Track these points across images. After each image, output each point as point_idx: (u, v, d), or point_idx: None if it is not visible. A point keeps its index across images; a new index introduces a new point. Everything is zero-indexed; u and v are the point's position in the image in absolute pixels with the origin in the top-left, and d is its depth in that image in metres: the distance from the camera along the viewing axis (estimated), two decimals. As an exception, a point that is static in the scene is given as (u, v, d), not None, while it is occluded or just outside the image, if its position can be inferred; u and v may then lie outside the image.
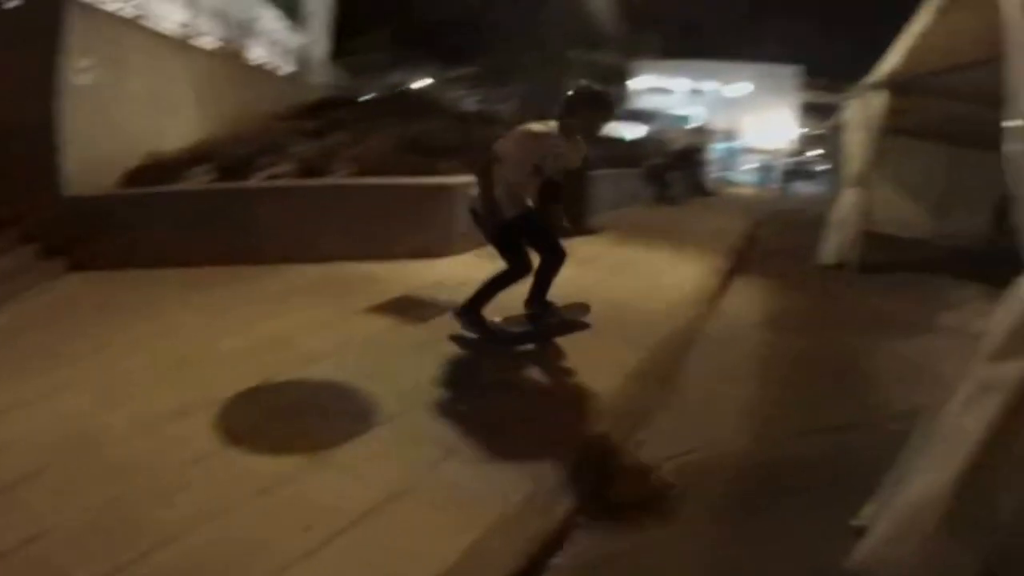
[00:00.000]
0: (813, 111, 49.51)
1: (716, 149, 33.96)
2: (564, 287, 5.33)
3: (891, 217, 13.34)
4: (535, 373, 4.62)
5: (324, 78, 17.82)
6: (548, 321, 5.22)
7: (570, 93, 4.77)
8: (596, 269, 7.75)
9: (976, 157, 14.20)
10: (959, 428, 2.36)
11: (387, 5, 25.69)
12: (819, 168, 46.75)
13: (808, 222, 12.88)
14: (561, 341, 5.10)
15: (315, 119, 11.39)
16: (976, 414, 2.31)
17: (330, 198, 7.93)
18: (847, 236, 9.83)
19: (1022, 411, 2.24)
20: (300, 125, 10.94)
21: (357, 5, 20.29)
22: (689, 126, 35.92)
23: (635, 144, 19.28)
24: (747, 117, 44.05)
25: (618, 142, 18.33)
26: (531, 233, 4.99)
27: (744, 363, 5.38)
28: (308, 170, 8.96)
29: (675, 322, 5.96)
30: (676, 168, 18.87)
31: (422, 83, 27.69)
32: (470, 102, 22.97)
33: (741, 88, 43.08)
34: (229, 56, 12.10)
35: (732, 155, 37.30)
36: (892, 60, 8.37)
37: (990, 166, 12.75)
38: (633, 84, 47.28)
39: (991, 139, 9.52)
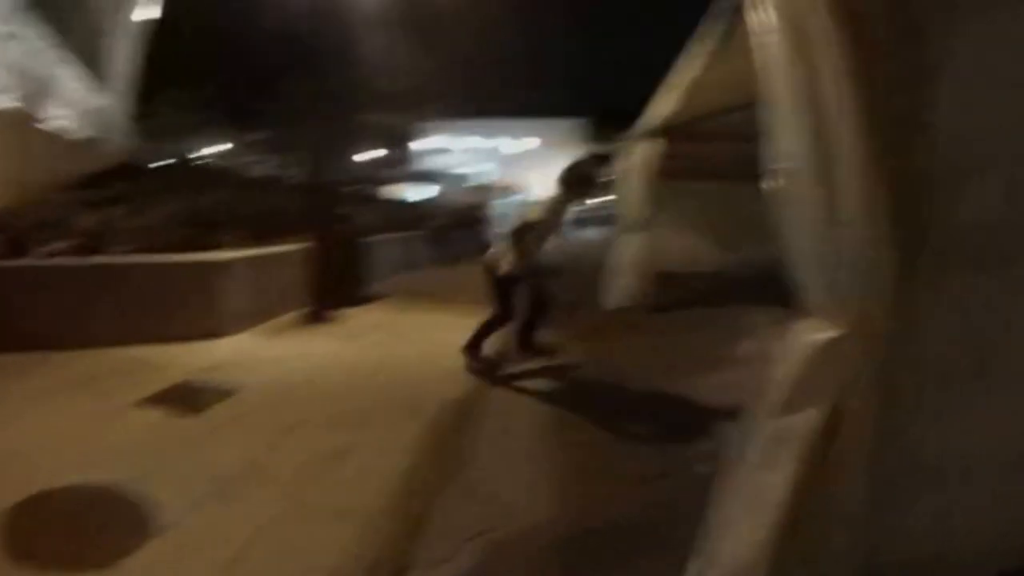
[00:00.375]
0: (606, 160, 51.83)
1: (502, 205, 34.81)
2: (338, 362, 5.55)
3: (678, 255, 14.08)
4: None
5: (120, 143, 16.66)
6: None
7: (570, 167, 6.46)
8: (375, 340, 7.58)
9: (755, 190, 15.48)
10: (761, 483, 2.34)
11: (193, 65, 24.59)
12: (604, 215, 49.08)
13: (595, 268, 13.43)
14: (344, 417, 4.95)
15: (101, 189, 10.90)
16: (775, 468, 2.30)
17: (101, 278, 7.48)
18: (634, 278, 10.22)
19: (820, 462, 2.24)
20: (85, 196, 10.47)
21: (163, 66, 19.25)
22: (475, 184, 36.58)
23: (419, 206, 19.47)
24: (533, 172, 45.50)
25: (401, 204, 18.44)
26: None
27: (538, 422, 5.23)
28: (84, 246, 8.49)
29: (460, 387, 5.82)
30: (460, 228, 19.17)
31: (218, 148, 26.67)
32: (264, 168, 22.40)
33: (527, 143, 44.56)
34: (14, 117, 11.15)
35: (520, 210, 38.26)
36: (664, 105, 8.73)
37: (768, 200, 14.08)
38: (421, 144, 47.74)
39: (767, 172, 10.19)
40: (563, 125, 49.20)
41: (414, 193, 27.65)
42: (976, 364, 2.37)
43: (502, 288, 6.23)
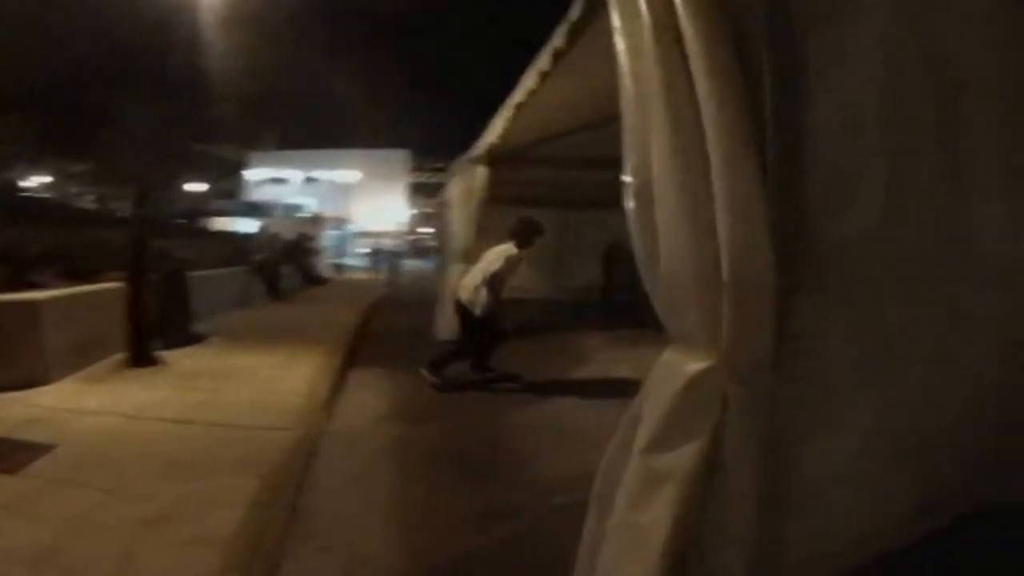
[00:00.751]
0: (422, 191, 52.65)
1: (328, 237, 34.13)
2: (164, 411, 5.18)
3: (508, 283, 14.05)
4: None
5: None
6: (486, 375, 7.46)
7: (522, 223, 7.58)
8: (202, 384, 6.78)
9: (580, 216, 15.96)
10: (634, 526, 2.16)
11: (22, 93, 22.45)
12: (429, 246, 49.68)
13: (422, 301, 13.13)
14: (174, 473, 4.34)
15: None
16: (652, 510, 2.11)
17: None
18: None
19: (702, 498, 2.09)
20: None
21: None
22: (302, 215, 35.98)
23: (247, 239, 18.49)
24: (359, 202, 45.11)
25: (229, 237, 17.56)
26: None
27: (378, 465, 4.83)
28: None
29: (293, 434, 5.23)
30: (287, 261, 18.37)
31: (38, 180, 24.69)
32: (87, 200, 20.88)
33: (352, 175, 44.27)
34: None
35: (345, 241, 37.88)
36: (491, 134, 8.58)
37: (594, 223, 14.31)
38: (248, 175, 46.52)
39: (591, 198, 10.47)
40: (386, 155, 49.30)
41: (242, 225, 26.56)
42: (858, 375, 2.29)
43: (474, 324, 7.32)
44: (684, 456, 2.07)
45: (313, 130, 47.91)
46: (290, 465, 4.58)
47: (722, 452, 2.06)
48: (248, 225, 27.44)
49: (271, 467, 4.45)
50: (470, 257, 9.78)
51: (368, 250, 26.09)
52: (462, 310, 7.39)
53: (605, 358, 8.93)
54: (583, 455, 4.90)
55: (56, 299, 7.14)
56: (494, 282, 7.18)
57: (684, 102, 2.03)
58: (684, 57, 2.04)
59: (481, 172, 9.62)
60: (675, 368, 2.14)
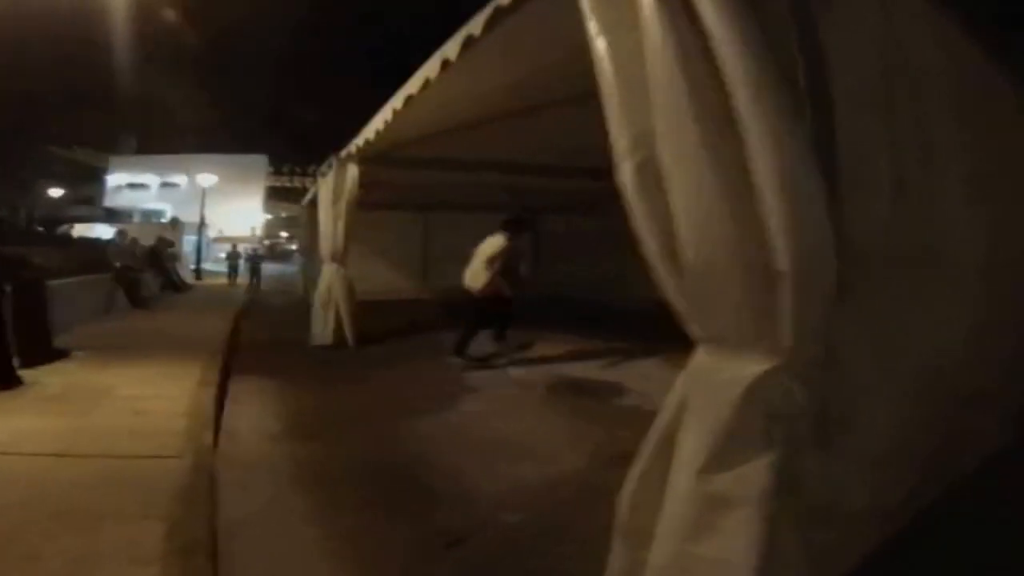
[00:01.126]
0: (280, 196, 51.44)
1: (188, 242, 32.55)
2: (37, 443, 4.59)
3: (378, 286, 13.83)
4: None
5: None
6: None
7: (511, 218, 8.66)
8: (72, 407, 5.92)
9: (449, 218, 15.97)
10: (699, 559, 1.93)
11: None
12: (291, 249, 48.45)
13: (288, 307, 12.60)
14: (62, 523, 3.55)
15: None
16: (719, 539, 1.89)
17: None
18: (336, 314, 9.58)
19: (780, 521, 1.87)
20: None
21: None
22: (161, 221, 34.31)
23: (106, 245, 17.19)
24: (216, 207, 43.47)
25: (89, 244, 16.39)
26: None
27: (291, 493, 4.29)
28: None
29: (185, 462, 4.58)
30: (148, 268, 17.23)
31: None
32: None
33: (209, 179, 42.49)
34: None
35: (204, 247, 36.21)
36: (368, 131, 8.25)
37: (463, 225, 14.29)
38: (109, 181, 44.30)
39: (461, 200, 10.39)
40: (244, 160, 48.08)
41: (102, 231, 24.88)
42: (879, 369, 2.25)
43: (480, 304, 8.33)
44: (754, 473, 1.86)
45: (171, 134, 46.39)
46: (193, 502, 3.96)
47: (798, 462, 1.90)
48: (108, 231, 25.81)
49: (172, 506, 3.84)
50: (342, 259, 9.49)
51: (228, 255, 24.78)
52: (471, 297, 8.35)
53: (493, 358, 8.77)
54: (511, 466, 4.79)
55: None
56: (489, 267, 8.25)
57: (704, 75, 1.87)
58: (697, 29, 1.88)
59: (352, 171, 9.38)
60: (724, 375, 1.94)
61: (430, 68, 5.49)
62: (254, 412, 6.24)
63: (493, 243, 8.46)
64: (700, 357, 2.07)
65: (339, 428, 5.74)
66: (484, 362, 8.43)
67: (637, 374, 7.86)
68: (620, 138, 2.10)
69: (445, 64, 5.10)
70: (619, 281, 11.95)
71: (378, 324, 10.51)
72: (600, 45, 2.18)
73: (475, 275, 8.34)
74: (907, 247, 2.35)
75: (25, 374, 6.94)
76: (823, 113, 1.95)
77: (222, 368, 7.85)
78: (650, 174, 2.00)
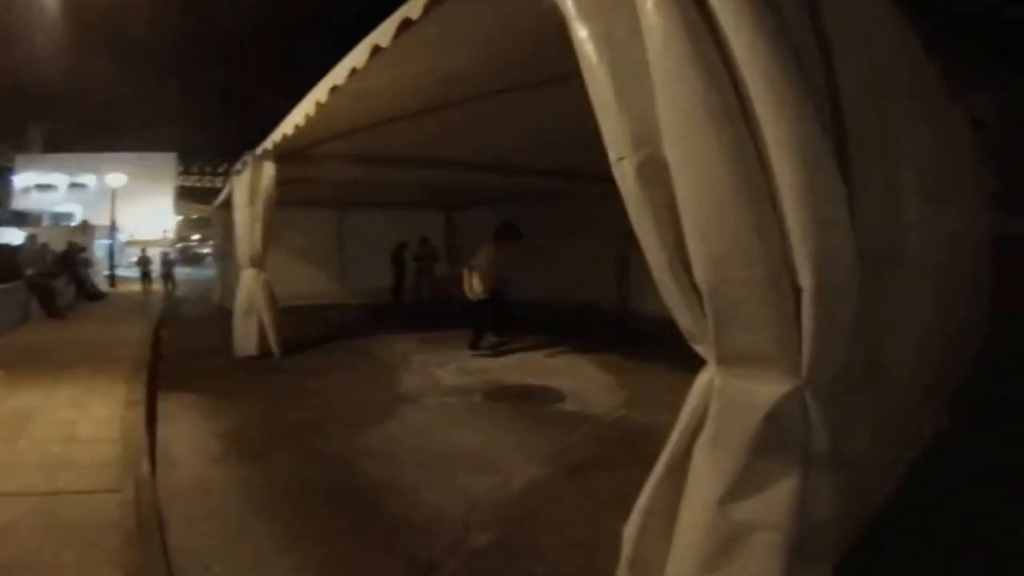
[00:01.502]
0: (191, 196, 49.85)
1: (100, 246, 31.15)
2: None
3: (295, 290, 13.52)
4: None
5: None
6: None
7: (501, 225, 9.44)
8: None
9: (368, 216, 15.73)
10: None
11: None
12: (204, 252, 46.95)
13: (207, 314, 12.16)
14: None
15: None
16: (740, 565, 1.82)
17: None
18: (260, 321, 9.17)
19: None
20: None
21: None
22: (71, 224, 32.78)
23: (15, 251, 16.23)
24: (128, 209, 41.82)
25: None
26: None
27: (249, 524, 3.98)
28: None
29: (126, 496, 4.20)
30: (61, 274, 16.33)
31: None
32: None
33: (119, 179, 40.87)
34: None
35: (116, 251, 34.76)
36: (286, 126, 7.84)
37: (381, 222, 14.12)
38: (16, 181, 42.06)
39: (379, 196, 10.14)
40: (153, 159, 46.47)
41: (9, 236, 23.51)
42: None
43: (479, 306, 9.35)
44: (779, 497, 1.79)
45: (80, 132, 44.39)
46: (147, 547, 3.56)
47: (815, 481, 1.82)
48: (16, 236, 24.43)
49: (123, 551, 3.46)
50: (261, 263, 9.13)
51: (140, 259, 23.67)
52: (470, 302, 9.36)
53: (423, 364, 8.61)
54: (469, 480, 4.61)
55: None
56: (481, 274, 9.14)
57: (716, 67, 1.74)
58: (706, 14, 1.75)
59: (269, 169, 8.93)
60: (744, 397, 1.85)
61: (358, 56, 5.28)
62: (188, 432, 5.89)
63: (484, 251, 9.31)
64: (714, 378, 1.95)
65: (281, 446, 5.46)
66: (495, 351, 9.31)
67: (567, 376, 7.84)
68: (616, 133, 1.96)
69: (375, 51, 4.89)
70: (535, 280, 12.02)
71: (300, 331, 10.27)
72: (582, 32, 2.03)
73: (472, 288, 9.26)
74: (880, 248, 2.30)
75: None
76: (836, 112, 1.86)
77: (148, 384, 7.43)
78: (654, 175, 1.87)
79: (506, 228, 9.50)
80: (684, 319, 1.94)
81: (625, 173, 1.94)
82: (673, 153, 1.82)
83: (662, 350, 8.86)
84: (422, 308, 15.36)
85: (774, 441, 1.81)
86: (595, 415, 6.18)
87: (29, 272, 13.95)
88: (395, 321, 12.80)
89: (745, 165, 1.72)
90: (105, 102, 46.96)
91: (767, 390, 1.81)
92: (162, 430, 5.92)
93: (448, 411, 6.46)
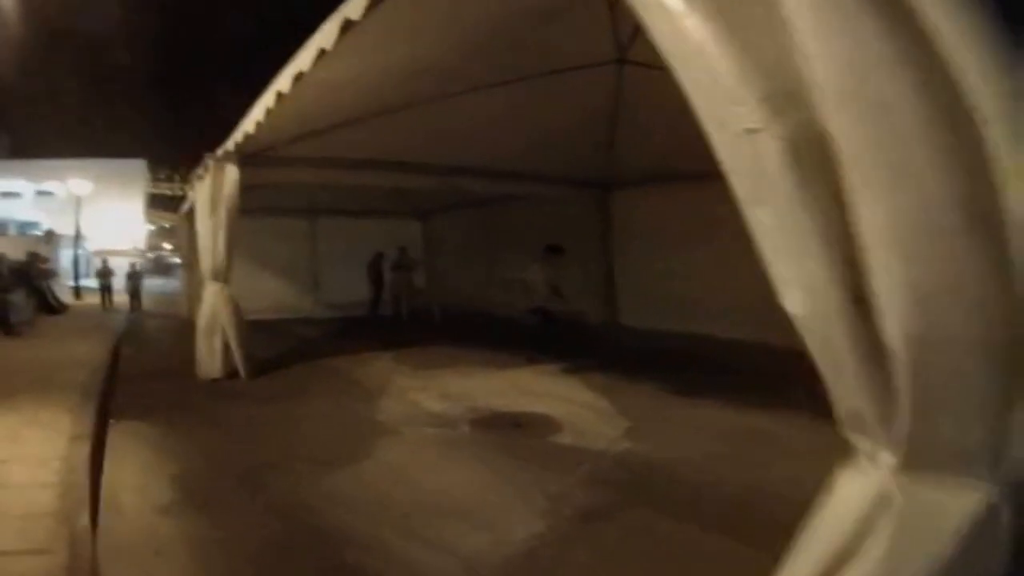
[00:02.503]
0: (161, 204, 48.81)
1: (66, 257, 30.13)
2: None
3: (264, 304, 12.92)
4: None
5: None
6: None
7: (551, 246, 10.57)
8: None
9: (341, 224, 15.16)
10: None
11: None
12: (171, 263, 45.86)
13: (173, 329, 11.47)
14: None
15: None
16: None
17: None
18: (225, 340, 8.48)
19: None
20: None
21: None
22: (35, 233, 31.92)
23: None
24: (96, 217, 40.74)
25: None
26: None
27: None
28: None
29: (57, 560, 3.50)
30: (17, 287, 15.49)
31: None
32: None
33: (84, 186, 39.83)
34: None
35: (81, 261, 33.73)
36: (247, 123, 7.33)
37: (355, 231, 13.69)
38: None
39: (352, 204, 9.69)
40: (121, 165, 45.46)
41: None
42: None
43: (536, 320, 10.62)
44: None
45: (45, 138, 43.30)
46: None
47: None
48: None
49: None
50: (225, 276, 8.44)
51: (106, 270, 22.64)
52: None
53: (403, 388, 7.95)
54: (459, 537, 3.89)
55: None
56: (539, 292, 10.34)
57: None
58: None
59: (232, 173, 8.23)
60: (933, 512, 1.31)
61: (325, 36, 4.74)
62: (138, 472, 5.18)
63: (535, 270, 10.40)
64: (890, 486, 1.32)
65: (242, 490, 4.78)
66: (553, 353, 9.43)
67: (559, 400, 7.23)
68: (734, 90, 1.38)
69: (346, 26, 4.36)
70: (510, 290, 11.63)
71: (269, 349, 9.72)
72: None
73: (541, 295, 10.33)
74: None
75: None
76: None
77: (99, 413, 6.71)
78: (811, 154, 1.27)
79: (554, 248, 10.60)
80: (848, 393, 1.32)
81: (763, 152, 1.32)
82: (841, 120, 1.20)
83: (656, 369, 8.52)
84: (401, 322, 14.77)
85: (977, 561, 1.26)
86: (595, 449, 5.55)
87: None
88: (372, 337, 12.11)
89: (960, 149, 1.12)
90: (72, 106, 46.04)
91: (962, 503, 1.20)
92: (109, 471, 5.19)
93: (431, 446, 5.81)
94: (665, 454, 5.34)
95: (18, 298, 14.71)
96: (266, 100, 6.50)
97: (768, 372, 6.98)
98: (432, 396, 7.45)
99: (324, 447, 5.73)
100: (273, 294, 14.52)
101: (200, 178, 8.82)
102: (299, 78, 5.59)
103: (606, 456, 5.39)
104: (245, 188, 8.36)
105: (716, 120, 1.49)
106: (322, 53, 4.93)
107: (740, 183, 1.48)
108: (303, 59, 5.35)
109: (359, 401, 7.32)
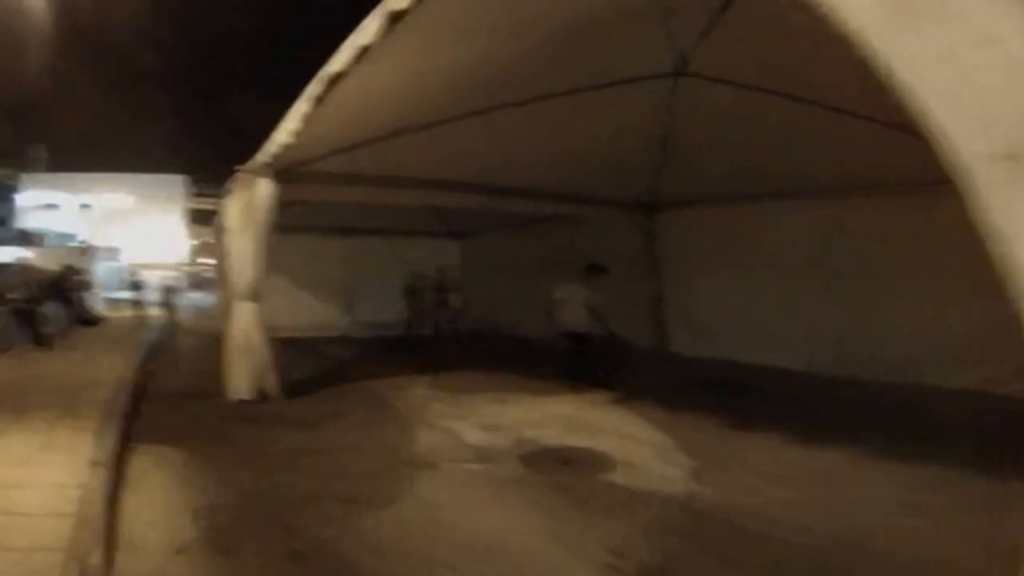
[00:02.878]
0: (202, 219, 49.16)
1: (102, 269, 30.23)
2: None
3: (301, 321, 12.62)
4: None
5: None
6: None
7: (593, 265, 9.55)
8: None
9: (376, 243, 14.83)
10: None
11: None
12: (211, 278, 45.99)
13: (207, 347, 11.14)
14: None
15: None
16: None
17: None
18: (259, 360, 8.08)
19: None
20: None
21: None
22: (74, 245, 32.19)
23: (4, 272, 15.42)
24: (134, 231, 41.09)
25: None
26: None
27: None
28: None
29: None
30: (51, 298, 15.34)
31: None
32: None
33: (125, 200, 40.06)
34: None
35: (119, 274, 33.88)
36: (281, 133, 6.97)
37: (390, 251, 13.34)
38: (20, 200, 41.51)
39: (388, 223, 9.28)
40: (162, 180, 45.92)
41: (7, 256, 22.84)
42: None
43: (578, 341, 9.36)
44: None
45: (87, 152, 43.99)
46: None
47: None
48: (12, 255, 23.84)
49: None
50: (257, 296, 8.07)
51: (146, 284, 22.57)
52: (573, 335, 9.40)
53: (441, 415, 7.50)
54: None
55: None
56: (590, 311, 9.33)
57: None
58: None
59: (264, 188, 7.83)
60: None
61: (366, 33, 4.37)
62: (159, 505, 4.78)
63: (578, 289, 9.42)
64: None
65: (268, 531, 4.34)
66: (595, 383, 8.81)
67: (609, 433, 6.73)
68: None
69: (394, 18, 4.00)
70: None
71: (302, 369, 9.43)
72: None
73: (577, 318, 9.29)
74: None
75: None
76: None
77: (121, 434, 6.33)
78: None
79: (596, 267, 9.62)
80: None
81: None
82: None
83: (712, 400, 7.95)
84: (437, 343, 14.32)
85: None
86: (657, 492, 4.99)
87: (11, 296, 13.01)
88: (408, 358, 11.67)
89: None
90: (114, 120, 46.67)
91: None
92: (129, 501, 4.83)
93: (473, 484, 5.32)
94: (735, 497, 4.82)
95: (50, 310, 14.55)
96: (302, 106, 6.14)
97: (838, 406, 6.45)
98: (472, 426, 6.98)
99: (358, 482, 5.27)
100: (307, 312, 14.26)
101: (231, 193, 8.44)
102: (336, 80, 5.22)
103: (668, 499, 4.86)
104: (279, 204, 8.02)
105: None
106: (364, 52, 4.56)
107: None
108: (342, 56, 4.99)
109: (395, 430, 6.89)
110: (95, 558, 3.70)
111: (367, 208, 11.50)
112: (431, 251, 16.13)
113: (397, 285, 15.31)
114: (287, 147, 6.98)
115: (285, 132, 6.75)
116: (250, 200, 7.94)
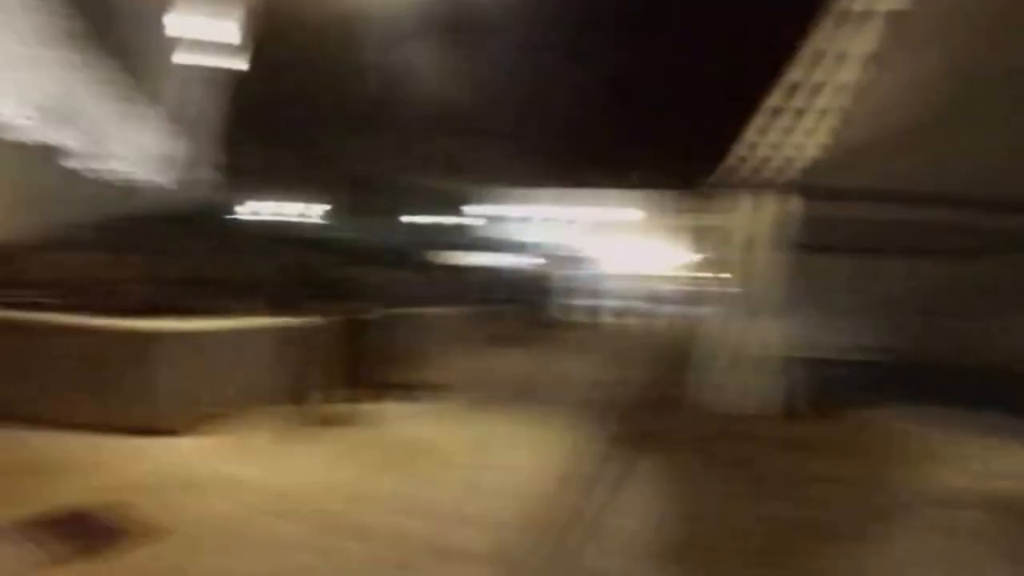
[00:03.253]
0: (699, 230, 49.38)
1: (582, 276, 32.58)
2: (355, 497, 3.99)
3: (820, 340, 12.00)
4: None
5: (184, 189, 16.13)
6: None
7: None
8: (381, 457, 5.29)
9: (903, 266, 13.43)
10: None
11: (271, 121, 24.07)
12: (712, 292, 45.76)
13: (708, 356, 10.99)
14: None
15: (115, 234, 9.70)
16: None
17: (30, 340, 5.85)
18: (777, 372, 7.87)
19: None
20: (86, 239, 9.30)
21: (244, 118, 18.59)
22: (551, 252, 34.96)
23: (481, 274, 17.34)
24: (622, 241, 43.17)
25: (458, 272, 16.81)
26: None
27: None
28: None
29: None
30: (512, 301, 16.67)
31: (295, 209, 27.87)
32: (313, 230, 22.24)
33: (632, 214, 42.34)
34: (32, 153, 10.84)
35: (602, 281, 36.12)
36: (800, 147, 6.77)
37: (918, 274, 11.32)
38: (483, 210, 46.27)
39: (917, 243, 7.65)
40: (656, 193, 47.58)
41: (476, 260, 26.27)
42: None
43: None
44: None
45: (570, 163, 46.70)
46: None
47: None
48: (480, 260, 26.94)
49: None
50: (776, 308, 7.99)
51: (637, 293, 23.59)
52: None
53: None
54: None
55: (209, 332, 6.29)
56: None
57: None
58: None
59: (771, 207, 7.66)
60: None
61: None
62: (644, 512, 4.50)
63: None
64: None
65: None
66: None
67: None
68: None
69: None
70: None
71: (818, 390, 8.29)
72: None
73: None
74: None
75: (363, 410, 6.49)
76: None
77: (611, 434, 6.52)
78: None
79: None
80: None
81: None
82: None
83: None
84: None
85: None
86: None
87: (482, 296, 14.33)
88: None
89: None
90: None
91: None
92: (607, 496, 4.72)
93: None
94: None
95: (509, 311, 15.68)
96: (826, 118, 5.68)
97: None
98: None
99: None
100: (824, 332, 13.49)
101: (745, 206, 8.22)
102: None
103: None
104: (810, 220, 7.69)
105: None
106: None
107: None
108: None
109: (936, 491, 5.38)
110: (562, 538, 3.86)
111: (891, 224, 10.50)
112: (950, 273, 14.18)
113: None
114: (811, 157, 6.62)
115: (807, 139, 6.35)
116: (752, 218, 7.87)
